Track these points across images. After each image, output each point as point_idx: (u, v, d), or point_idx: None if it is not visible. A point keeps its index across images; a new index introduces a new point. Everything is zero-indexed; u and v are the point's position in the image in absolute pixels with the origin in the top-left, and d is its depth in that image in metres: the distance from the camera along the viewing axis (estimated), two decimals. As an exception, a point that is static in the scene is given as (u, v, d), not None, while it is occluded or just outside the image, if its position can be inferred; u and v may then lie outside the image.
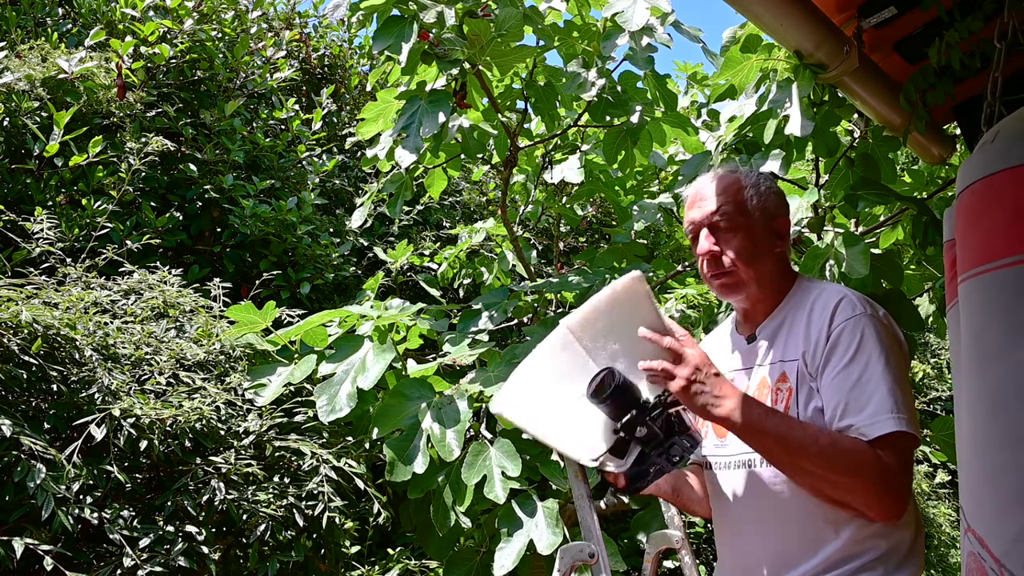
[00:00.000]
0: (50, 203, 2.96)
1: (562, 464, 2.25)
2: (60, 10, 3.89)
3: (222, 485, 1.91)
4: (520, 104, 2.96)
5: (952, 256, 1.12)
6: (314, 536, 2.18)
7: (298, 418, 2.27)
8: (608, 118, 2.74)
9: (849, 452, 1.17)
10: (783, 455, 1.21)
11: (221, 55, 3.95)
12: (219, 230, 3.60)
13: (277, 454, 2.14)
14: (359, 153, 4.48)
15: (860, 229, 2.51)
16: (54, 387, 1.85)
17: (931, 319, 2.69)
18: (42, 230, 2.53)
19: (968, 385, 1.04)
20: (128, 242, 3.00)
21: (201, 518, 1.91)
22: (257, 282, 2.93)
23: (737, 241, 1.38)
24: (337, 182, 4.36)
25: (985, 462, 0.99)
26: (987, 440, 0.99)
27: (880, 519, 1.21)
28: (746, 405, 1.20)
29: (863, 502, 1.19)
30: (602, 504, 2.68)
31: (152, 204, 3.30)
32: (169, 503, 1.86)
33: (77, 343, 1.94)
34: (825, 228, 2.16)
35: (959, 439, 1.08)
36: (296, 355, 2.35)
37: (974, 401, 1.02)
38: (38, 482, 1.60)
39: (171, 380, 2.06)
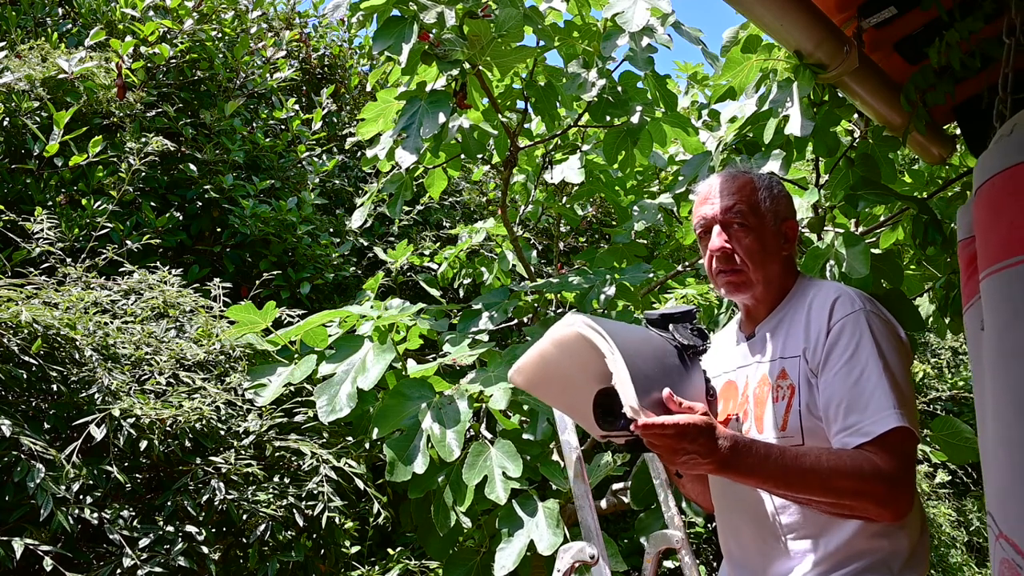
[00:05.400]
0: (50, 203, 2.96)
1: (562, 464, 2.25)
2: (60, 10, 3.89)
3: (222, 485, 1.91)
4: (520, 104, 2.96)
5: (969, 254, 1.10)
6: (314, 536, 2.18)
7: (298, 418, 2.27)
8: (608, 118, 2.74)
9: (850, 475, 1.17)
10: (789, 495, 1.24)
11: (221, 55, 3.94)
12: (219, 230, 3.59)
13: (277, 454, 2.14)
14: (359, 153, 4.47)
15: (860, 229, 2.51)
16: (54, 387, 1.85)
17: (931, 319, 2.69)
18: (42, 230, 2.53)
19: (993, 384, 1.01)
20: (128, 242, 3.00)
21: (201, 518, 1.91)
22: (257, 282, 2.93)
23: (749, 241, 1.39)
24: (337, 182, 4.36)
25: (1014, 463, 0.96)
26: (1017, 440, 0.95)
27: (890, 521, 1.21)
28: (739, 458, 1.16)
29: (873, 513, 1.20)
30: (602, 504, 2.68)
31: (152, 204, 3.30)
32: (169, 503, 1.85)
33: (77, 343, 1.93)
34: (825, 228, 2.16)
35: (983, 441, 1.05)
36: (296, 355, 2.35)
37: (1000, 401, 0.99)
38: (38, 482, 1.60)
39: (171, 380, 2.06)
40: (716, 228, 1.41)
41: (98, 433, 1.74)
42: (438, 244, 4.11)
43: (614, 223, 4.31)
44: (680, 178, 2.59)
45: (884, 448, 1.18)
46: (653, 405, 1.18)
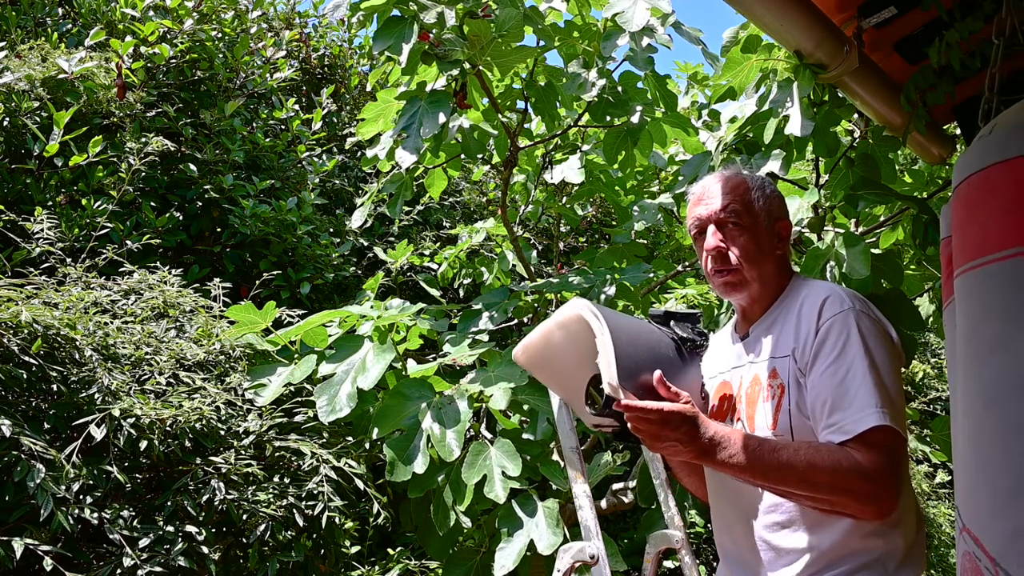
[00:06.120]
0: (50, 203, 2.96)
1: (562, 464, 2.25)
2: (60, 10, 3.89)
3: (222, 485, 1.91)
4: (520, 104, 2.96)
5: (949, 253, 1.11)
6: (314, 536, 2.18)
7: (298, 418, 2.27)
8: (608, 118, 2.74)
9: (827, 469, 1.17)
10: (770, 488, 1.27)
11: (221, 55, 3.94)
12: (219, 230, 3.59)
13: (277, 454, 2.14)
14: (359, 153, 4.47)
15: (860, 229, 2.51)
16: (54, 387, 1.85)
17: (931, 319, 2.69)
18: (42, 230, 2.53)
19: (964, 380, 1.02)
20: (128, 242, 3.00)
21: (201, 518, 1.91)
22: (257, 282, 2.93)
23: (743, 240, 1.39)
24: (337, 182, 4.36)
25: (980, 458, 0.97)
26: (981, 435, 0.97)
27: (873, 518, 1.22)
28: (718, 447, 1.20)
29: (854, 510, 1.21)
30: (602, 504, 2.68)
31: (152, 204, 3.30)
32: (169, 503, 1.86)
33: (77, 343, 1.94)
34: (825, 228, 2.16)
35: (954, 436, 1.06)
36: (296, 355, 2.35)
37: (969, 396, 1.00)
38: (38, 482, 1.60)
39: (171, 380, 2.06)
40: (711, 228, 1.42)
41: (98, 433, 1.74)
42: (438, 244, 4.11)
43: (614, 223, 4.31)
44: (680, 178, 2.59)
45: (865, 446, 1.18)
46: (641, 390, 1.20)
